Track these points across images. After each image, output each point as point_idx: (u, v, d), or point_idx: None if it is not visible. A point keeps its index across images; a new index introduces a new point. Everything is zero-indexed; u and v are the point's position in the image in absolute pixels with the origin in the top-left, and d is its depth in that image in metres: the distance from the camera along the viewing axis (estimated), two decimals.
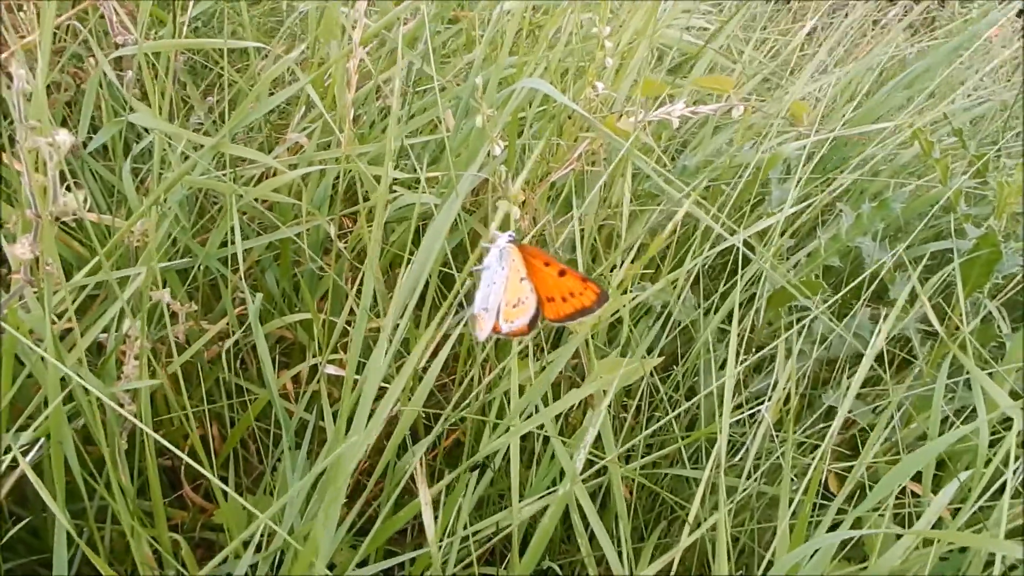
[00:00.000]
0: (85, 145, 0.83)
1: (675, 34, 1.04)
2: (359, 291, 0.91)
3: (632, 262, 0.98)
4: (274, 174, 0.89)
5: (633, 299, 0.83)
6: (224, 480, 0.94)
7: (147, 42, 0.76)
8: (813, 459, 0.83)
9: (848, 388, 0.87)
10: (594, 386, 0.70)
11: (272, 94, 0.82)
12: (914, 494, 0.87)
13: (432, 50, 0.90)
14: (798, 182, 0.99)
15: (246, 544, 0.80)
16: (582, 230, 0.91)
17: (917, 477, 0.83)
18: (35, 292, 0.56)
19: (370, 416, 0.60)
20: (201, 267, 0.89)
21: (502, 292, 0.67)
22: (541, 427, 0.70)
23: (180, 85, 0.99)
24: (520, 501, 0.67)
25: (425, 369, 0.72)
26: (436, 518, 0.66)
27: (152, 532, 0.76)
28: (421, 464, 0.62)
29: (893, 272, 0.96)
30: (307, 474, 0.64)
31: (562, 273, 0.69)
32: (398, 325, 0.72)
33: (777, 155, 0.96)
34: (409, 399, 0.74)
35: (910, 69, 1.13)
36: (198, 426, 0.98)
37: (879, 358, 0.99)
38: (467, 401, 0.77)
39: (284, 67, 0.76)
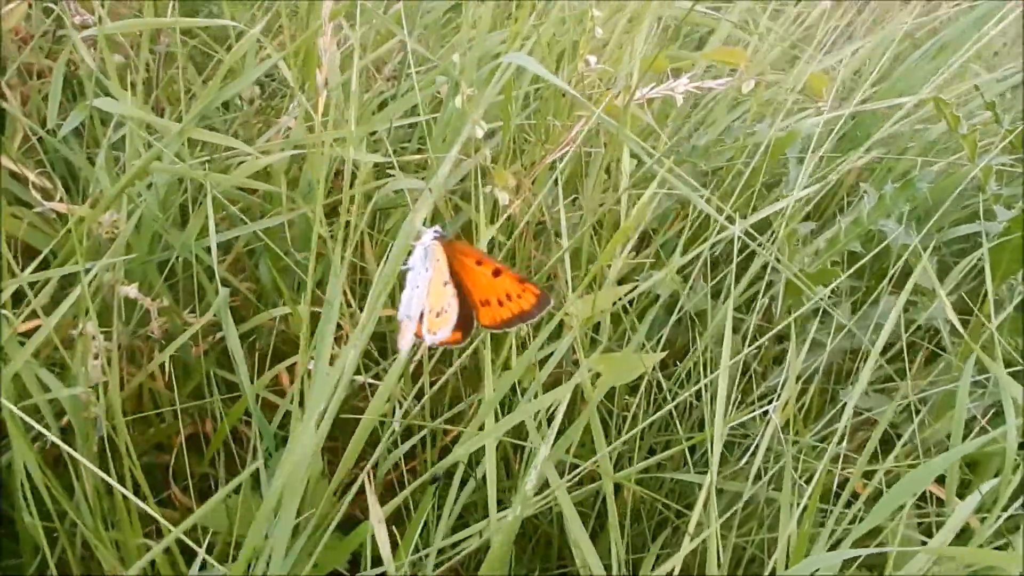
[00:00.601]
0: (54, 133, 0.80)
1: (684, 5, 0.98)
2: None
3: (637, 251, 0.92)
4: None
5: (632, 289, 0.77)
6: (214, 479, 0.90)
7: (111, 24, 0.72)
8: (834, 462, 0.77)
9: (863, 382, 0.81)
10: (567, 386, 0.63)
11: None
12: (939, 499, 0.81)
13: (425, 27, 0.85)
14: (818, 161, 0.93)
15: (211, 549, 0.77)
16: (580, 215, 0.85)
17: (943, 479, 0.77)
18: None
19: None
20: (181, 260, 0.85)
21: (425, 297, 0.60)
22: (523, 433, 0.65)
23: (169, 70, 0.95)
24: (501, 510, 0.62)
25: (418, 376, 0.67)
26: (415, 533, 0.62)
27: (117, 536, 0.72)
28: (370, 478, 0.57)
29: (920, 256, 0.89)
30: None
31: (496, 273, 0.62)
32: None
33: (793, 132, 0.89)
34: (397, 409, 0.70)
35: (937, 37, 1.05)
36: (190, 423, 0.95)
37: (907, 349, 0.92)
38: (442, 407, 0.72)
39: (251, 43, 0.71)
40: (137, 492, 0.71)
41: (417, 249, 0.60)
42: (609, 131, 0.79)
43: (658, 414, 0.68)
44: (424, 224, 0.60)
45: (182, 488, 0.91)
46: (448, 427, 0.69)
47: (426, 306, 0.60)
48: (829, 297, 0.91)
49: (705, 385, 0.78)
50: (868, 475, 0.74)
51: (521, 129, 0.85)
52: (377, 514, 0.54)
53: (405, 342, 0.61)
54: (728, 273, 0.88)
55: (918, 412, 0.85)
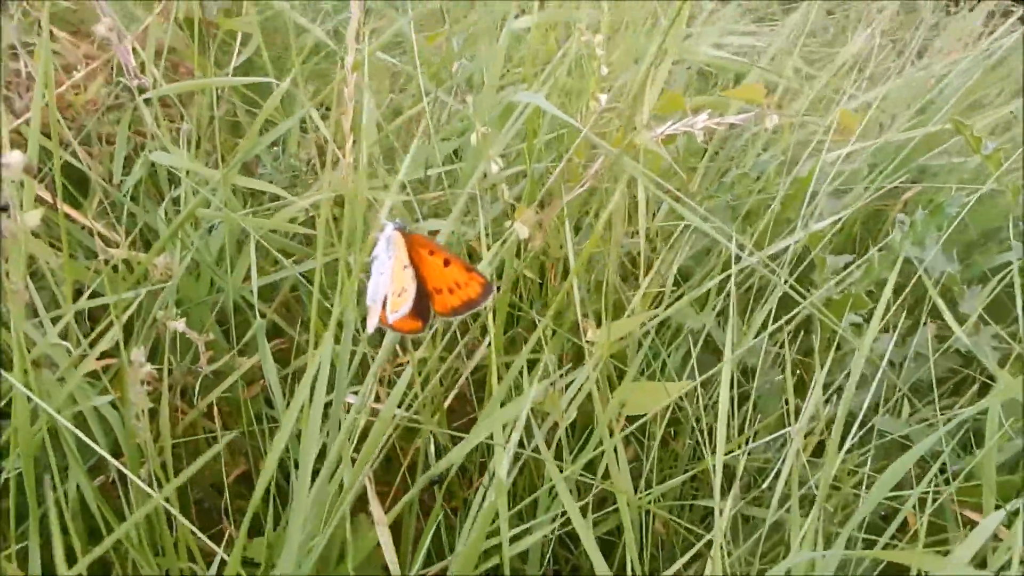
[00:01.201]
0: (120, 187, 0.87)
1: (708, 51, 1.01)
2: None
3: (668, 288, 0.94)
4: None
5: (652, 318, 0.79)
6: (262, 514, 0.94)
7: (168, 86, 0.80)
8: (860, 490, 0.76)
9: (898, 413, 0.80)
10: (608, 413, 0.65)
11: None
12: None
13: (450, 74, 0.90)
14: (849, 193, 0.93)
15: None
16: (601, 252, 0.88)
17: None
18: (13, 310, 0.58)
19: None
20: (232, 304, 0.91)
21: (389, 282, 0.64)
22: (533, 447, 0.67)
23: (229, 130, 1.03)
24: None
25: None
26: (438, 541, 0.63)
27: (163, 562, 0.76)
28: (370, 480, 0.59)
29: (958, 284, 0.88)
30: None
31: (447, 263, 0.66)
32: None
33: (816, 167, 0.90)
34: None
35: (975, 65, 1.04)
36: (243, 462, 0.99)
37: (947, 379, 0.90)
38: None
39: (279, 96, 0.77)
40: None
41: (380, 240, 0.65)
42: (620, 168, 0.82)
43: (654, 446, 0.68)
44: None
45: (236, 525, 0.95)
46: (456, 433, 0.71)
47: (389, 289, 0.64)
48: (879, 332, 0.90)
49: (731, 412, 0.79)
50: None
51: (546, 171, 0.89)
52: (380, 516, 0.57)
53: (371, 324, 0.65)
54: (760, 307, 0.88)
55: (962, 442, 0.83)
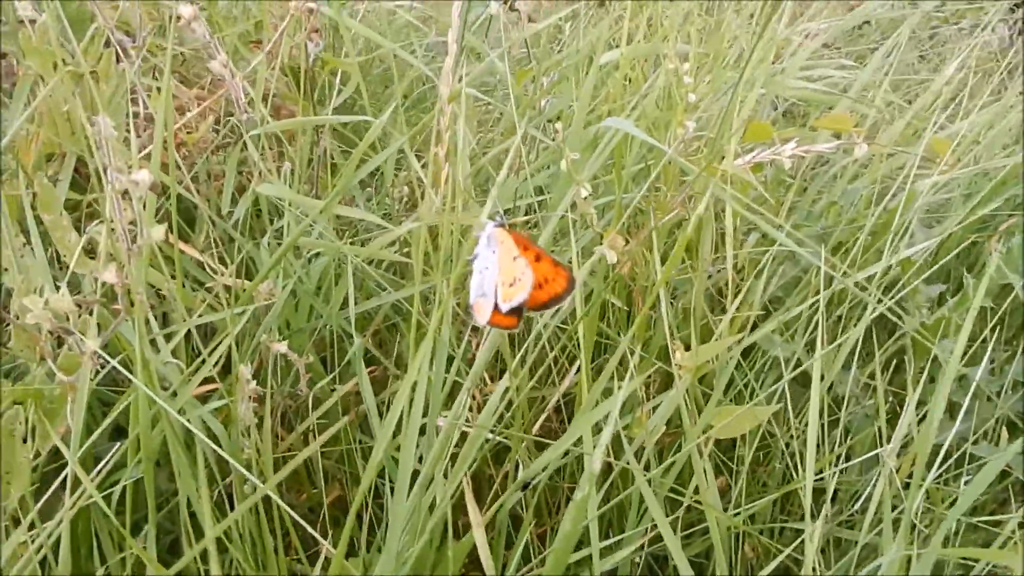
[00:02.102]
0: (229, 217, 0.93)
1: (795, 83, 1.02)
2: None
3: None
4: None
5: (739, 340, 0.79)
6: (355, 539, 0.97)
7: (273, 123, 0.85)
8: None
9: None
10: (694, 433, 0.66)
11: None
12: None
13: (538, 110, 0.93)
14: (938, 223, 0.92)
15: None
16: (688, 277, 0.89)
17: None
18: (128, 320, 0.62)
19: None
20: (331, 332, 0.94)
21: (497, 275, 0.66)
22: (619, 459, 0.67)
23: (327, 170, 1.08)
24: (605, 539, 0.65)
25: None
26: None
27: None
28: (468, 482, 0.61)
29: None
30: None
31: (538, 258, 0.68)
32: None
33: (912, 193, 0.90)
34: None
35: None
36: (338, 488, 1.02)
37: None
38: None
39: (378, 129, 0.81)
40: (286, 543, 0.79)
41: (481, 238, 0.68)
42: (717, 196, 0.83)
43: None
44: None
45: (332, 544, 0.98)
46: (547, 440, 0.72)
47: (498, 281, 0.66)
48: (970, 360, 0.88)
49: (822, 438, 0.78)
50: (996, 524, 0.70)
51: (633, 200, 0.90)
52: (476, 518, 0.58)
53: (482, 317, 0.69)
54: (851, 333, 0.88)
55: None
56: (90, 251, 0.82)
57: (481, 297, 0.68)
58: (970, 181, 0.98)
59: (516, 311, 0.69)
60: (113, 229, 0.60)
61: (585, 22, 0.99)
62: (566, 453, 0.74)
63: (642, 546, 0.69)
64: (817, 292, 0.92)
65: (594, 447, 0.57)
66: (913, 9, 1.31)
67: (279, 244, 0.99)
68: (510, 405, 0.79)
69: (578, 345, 0.80)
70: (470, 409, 0.94)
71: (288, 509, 0.59)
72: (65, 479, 0.65)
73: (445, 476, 0.66)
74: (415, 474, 0.69)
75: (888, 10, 1.28)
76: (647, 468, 0.72)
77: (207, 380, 0.84)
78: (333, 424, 0.99)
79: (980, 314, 0.90)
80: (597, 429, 0.78)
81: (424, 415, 0.73)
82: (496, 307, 0.68)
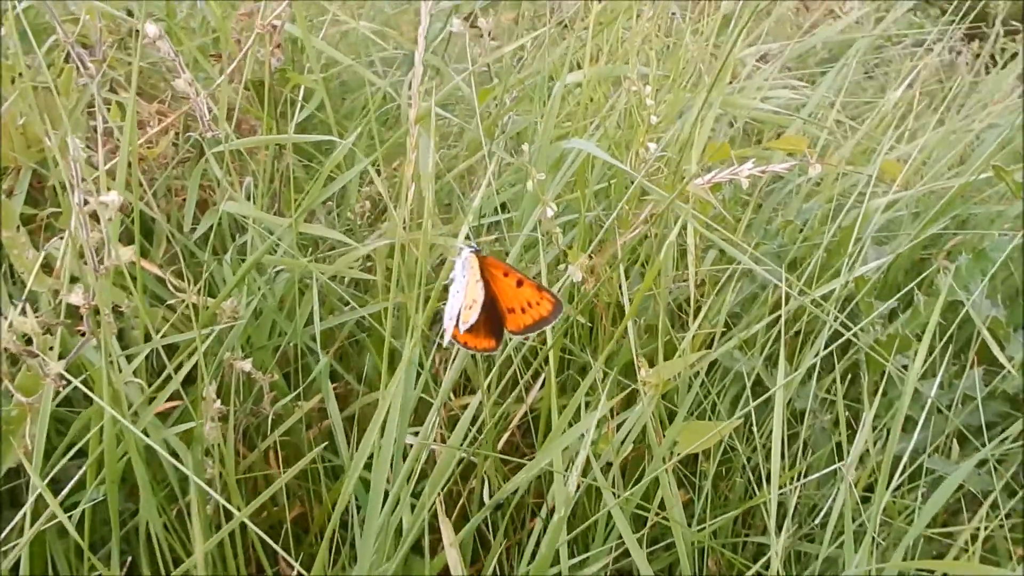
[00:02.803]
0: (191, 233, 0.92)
1: (751, 104, 1.04)
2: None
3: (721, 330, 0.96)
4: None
5: (702, 357, 0.81)
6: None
7: (237, 140, 0.84)
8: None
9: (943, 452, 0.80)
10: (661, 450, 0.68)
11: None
12: None
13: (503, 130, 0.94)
14: (888, 241, 0.95)
15: None
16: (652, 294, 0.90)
17: None
18: (96, 345, 0.61)
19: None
20: (294, 348, 0.94)
21: (462, 299, 0.67)
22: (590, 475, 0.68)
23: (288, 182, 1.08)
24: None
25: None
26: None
27: None
28: (441, 502, 0.61)
29: (1004, 328, 0.89)
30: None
31: (520, 283, 0.69)
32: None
33: (866, 212, 0.93)
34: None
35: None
36: (299, 505, 1.02)
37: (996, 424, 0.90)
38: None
39: (343, 152, 0.81)
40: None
41: (457, 263, 0.69)
42: (676, 214, 0.85)
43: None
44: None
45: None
46: (513, 459, 0.73)
47: (462, 303, 0.67)
48: (922, 377, 0.91)
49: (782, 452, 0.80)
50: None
51: (596, 218, 0.92)
52: (449, 538, 0.59)
53: (447, 339, 0.70)
54: (808, 348, 0.90)
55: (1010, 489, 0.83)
56: (45, 266, 0.81)
57: (449, 320, 0.69)
58: (918, 200, 1.01)
59: (495, 334, 0.70)
60: (79, 249, 0.60)
61: (547, 41, 1.00)
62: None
63: (608, 564, 0.70)
64: (774, 308, 0.94)
65: (565, 468, 0.57)
66: (861, 34, 1.35)
67: (242, 260, 0.98)
68: (475, 421, 0.80)
69: (545, 361, 0.81)
70: (437, 425, 0.94)
71: (260, 532, 0.58)
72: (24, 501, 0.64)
73: (416, 496, 0.66)
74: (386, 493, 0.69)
75: (838, 33, 1.31)
76: (613, 484, 0.73)
77: (171, 397, 0.83)
78: (295, 441, 0.99)
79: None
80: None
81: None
82: (456, 328, 0.69)
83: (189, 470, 0.79)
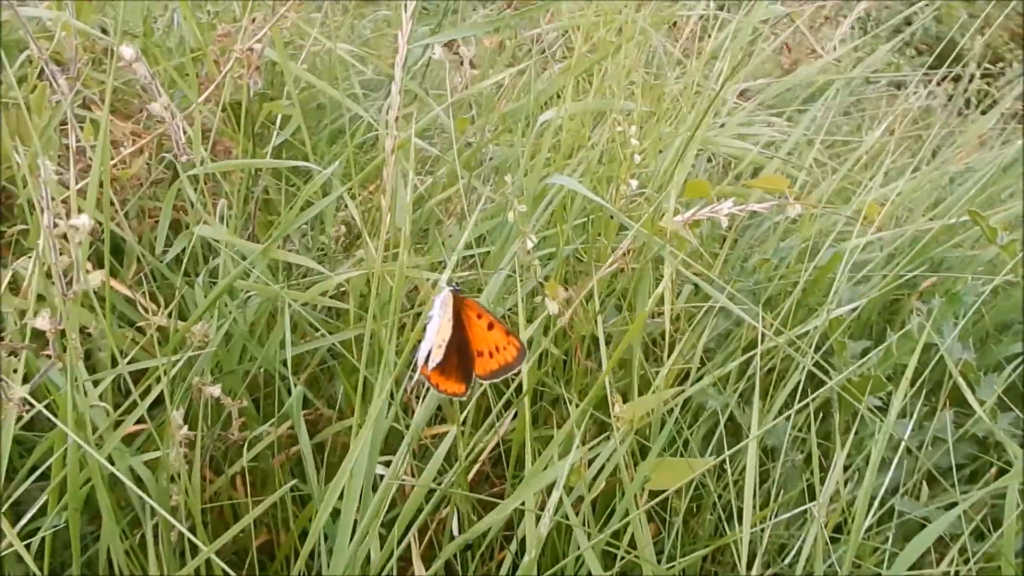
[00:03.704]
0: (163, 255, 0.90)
1: (731, 142, 1.05)
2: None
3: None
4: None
5: (677, 395, 0.81)
6: None
7: (212, 164, 0.83)
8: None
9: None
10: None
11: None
12: None
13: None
14: (863, 282, 0.96)
15: None
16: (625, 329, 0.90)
17: None
18: (61, 368, 0.60)
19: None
20: (264, 374, 0.93)
21: (434, 336, 0.67)
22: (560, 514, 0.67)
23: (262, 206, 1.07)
24: None
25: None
26: None
27: None
28: (415, 539, 0.60)
29: (975, 371, 0.89)
30: None
31: (490, 326, 0.69)
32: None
33: (838, 254, 0.93)
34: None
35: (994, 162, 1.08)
36: (265, 532, 1.00)
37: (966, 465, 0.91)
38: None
39: (321, 181, 0.81)
40: None
41: (436, 302, 0.68)
42: (655, 250, 0.85)
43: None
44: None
45: None
46: (489, 499, 0.72)
47: (434, 341, 0.66)
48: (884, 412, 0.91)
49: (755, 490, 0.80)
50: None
51: (575, 252, 0.92)
52: (420, 572, 0.58)
53: (415, 378, 0.70)
54: (781, 388, 0.90)
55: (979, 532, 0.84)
56: (12, 283, 0.79)
57: (421, 356, 0.69)
58: (892, 241, 1.02)
59: (466, 378, 0.70)
60: (47, 272, 0.58)
61: (533, 74, 1.00)
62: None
63: None
64: (748, 346, 0.94)
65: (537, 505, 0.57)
66: (839, 75, 1.37)
67: (213, 283, 0.97)
68: (447, 454, 0.79)
69: (517, 392, 0.80)
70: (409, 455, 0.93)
71: (224, 567, 0.57)
72: None
73: (386, 526, 0.65)
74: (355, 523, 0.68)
75: (817, 72, 1.33)
76: (584, 521, 0.73)
77: (138, 421, 0.82)
78: (263, 466, 0.97)
79: (902, 370, 0.94)
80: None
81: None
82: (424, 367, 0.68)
83: (153, 499, 0.78)
